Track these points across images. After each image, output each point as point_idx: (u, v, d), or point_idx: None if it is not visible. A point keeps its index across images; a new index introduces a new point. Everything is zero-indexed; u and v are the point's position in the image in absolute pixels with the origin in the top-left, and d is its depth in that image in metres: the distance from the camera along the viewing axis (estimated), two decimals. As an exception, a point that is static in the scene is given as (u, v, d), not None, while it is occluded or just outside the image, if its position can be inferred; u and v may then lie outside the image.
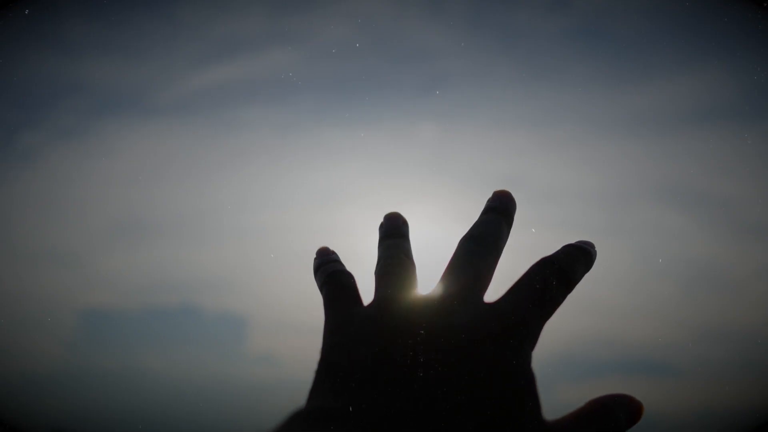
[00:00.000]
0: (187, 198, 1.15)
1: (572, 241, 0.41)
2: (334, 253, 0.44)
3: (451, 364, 0.33)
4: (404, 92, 1.16)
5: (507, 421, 0.32)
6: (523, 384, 0.33)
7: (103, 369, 1.10)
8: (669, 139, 1.14)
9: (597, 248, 0.41)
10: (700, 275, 1.13)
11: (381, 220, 0.45)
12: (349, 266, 0.43)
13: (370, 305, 0.38)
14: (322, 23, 1.19)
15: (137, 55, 1.20)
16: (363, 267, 0.43)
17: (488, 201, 0.43)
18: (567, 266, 0.38)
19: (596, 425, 0.35)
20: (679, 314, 1.10)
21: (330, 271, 0.42)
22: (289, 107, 1.17)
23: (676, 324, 1.10)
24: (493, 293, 0.39)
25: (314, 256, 0.44)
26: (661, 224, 1.14)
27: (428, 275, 0.39)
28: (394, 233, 0.44)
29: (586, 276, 0.40)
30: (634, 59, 1.15)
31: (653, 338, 1.08)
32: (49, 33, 1.12)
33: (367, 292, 0.40)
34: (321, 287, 0.42)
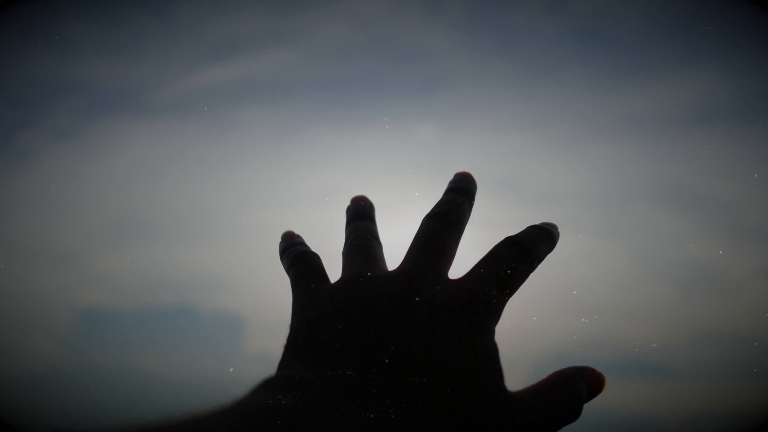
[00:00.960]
0: (185, 197, 1.15)
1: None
2: (299, 236, 0.45)
3: (416, 336, 0.34)
4: (402, 93, 1.16)
5: (471, 389, 0.32)
6: (485, 356, 0.34)
7: (101, 368, 1.10)
8: (666, 141, 1.14)
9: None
10: (697, 277, 1.13)
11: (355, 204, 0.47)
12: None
13: (337, 282, 0.39)
14: (320, 23, 1.19)
15: (135, 55, 1.20)
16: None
17: (450, 182, 0.44)
18: (531, 245, 0.39)
19: (558, 396, 0.36)
20: (676, 316, 1.10)
21: (296, 252, 0.43)
22: (286, 107, 1.17)
23: (674, 325, 1.10)
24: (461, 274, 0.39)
25: (279, 240, 0.45)
26: (659, 226, 1.14)
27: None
28: (360, 215, 0.45)
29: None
30: (633, 61, 1.15)
31: (650, 340, 1.08)
32: (46, 32, 1.12)
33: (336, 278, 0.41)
34: (288, 269, 0.42)
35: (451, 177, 0.45)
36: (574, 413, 0.36)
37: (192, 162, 1.16)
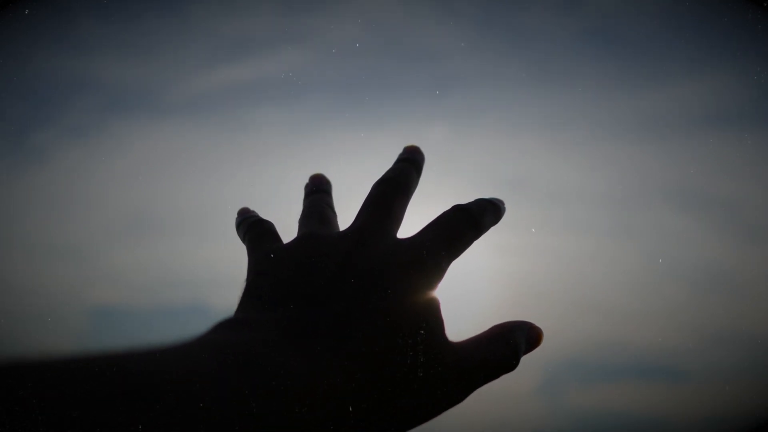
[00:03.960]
0: (198, 196, 1.15)
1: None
2: (253, 211, 0.48)
3: (363, 286, 0.36)
4: (414, 93, 1.16)
5: (412, 336, 0.35)
6: (427, 307, 0.36)
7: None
8: (679, 142, 1.13)
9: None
10: (711, 279, 1.12)
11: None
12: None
13: (290, 241, 0.42)
14: (332, 24, 1.19)
15: (149, 54, 1.21)
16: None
17: (399, 155, 0.47)
18: (477, 214, 0.42)
19: (497, 346, 0.38)
20: (690, 318, 1.10)
21: (251, 221, 0.46)
22: (298, 107, 1.17)
23: (687, 328, 1.10)
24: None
25: (235, 215, 0.48)
26: (672, 227, 1.13)
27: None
28: (318, 190, 0.49)
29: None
30: (645, 62, 1.14)
31: (664, 343, 1.07)
32: (60, 30, 1.13)
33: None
34: (244, 237, 0.45)
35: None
36: (511, 363, 0.38)
37: (206, 160, 1.17)
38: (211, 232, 1.13)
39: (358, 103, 1.15)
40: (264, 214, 0.47)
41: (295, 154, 1.11)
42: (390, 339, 0.34)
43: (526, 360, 0.39)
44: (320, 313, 0.35)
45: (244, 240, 0.44)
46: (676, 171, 1.12)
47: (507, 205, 0.44)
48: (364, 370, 0.33)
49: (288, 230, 0.46)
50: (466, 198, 0.45)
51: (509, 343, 0.38)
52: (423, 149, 0.47)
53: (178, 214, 1.19)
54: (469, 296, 0.58)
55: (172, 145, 1.21)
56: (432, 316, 0.36)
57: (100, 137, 1.23)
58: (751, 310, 1.05)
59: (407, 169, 0.45)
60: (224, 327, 0.35)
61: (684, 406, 1.05)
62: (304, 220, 0.45)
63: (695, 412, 1.02)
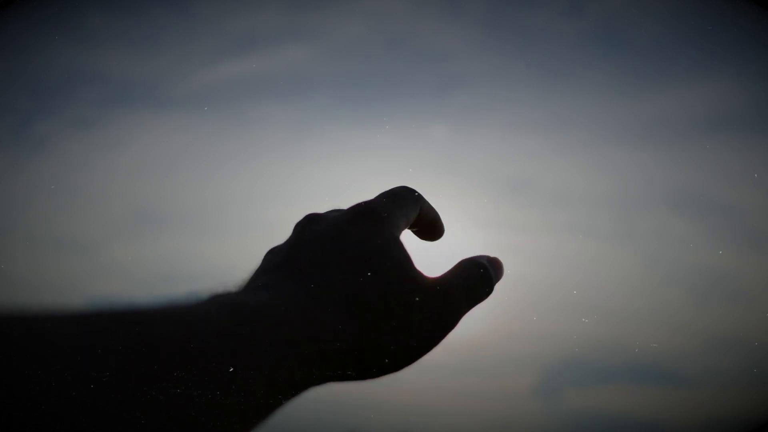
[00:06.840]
0: (202, 190, 1.16)
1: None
2: None
3: (353, 257, 0.39)
4: (418, 92, 1.16)
5: (386, 276, 0.38)
6: (395, 251, 0.40)
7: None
8: (681, 147, 1.13)
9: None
10: (711, 284, 1.12)
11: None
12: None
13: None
14: (337, 22, 1.19)
15: (153, 47, 1.21)
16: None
17: None
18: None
19: (472, 270, 0.41)
20: (688, 323, 1.10)
21: None
22: (301, 104, 1.18)
23: (686, 332, 1.10)
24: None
25: None
26: (672, 232, 1.13)
27: (438, 270, 0.41)
28: None
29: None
30: (649, 66, 1.14)
31: (662, 345, 1.07)
32: (66, 22, 1.13)
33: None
34: None
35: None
36: (488, 283, 0.42)
37: (210, 155, 1.17)
38: (213, 227, 1.13)
39: (361, 101, 1.15)
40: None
41: (298, 150, 1.11)
42: (364, 274, 0.38)
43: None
44: (314, 276, 0.38)
45: None
46: (678, 175, 1.12)
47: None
48: (351, 311, 0.37)
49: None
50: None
51: (480, 265, 0.42)
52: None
53: (180, 208, 1.19)
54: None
55: (175, 139, 1.22)
56: (399, 252, 0.40)
57: (103, 129, 1.23)
58: (750, 315, 1.06)
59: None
60: (224, 290, 0.38)
61: (681, 410, 1.05)
62: None
63: (693, 416, 1.02)
